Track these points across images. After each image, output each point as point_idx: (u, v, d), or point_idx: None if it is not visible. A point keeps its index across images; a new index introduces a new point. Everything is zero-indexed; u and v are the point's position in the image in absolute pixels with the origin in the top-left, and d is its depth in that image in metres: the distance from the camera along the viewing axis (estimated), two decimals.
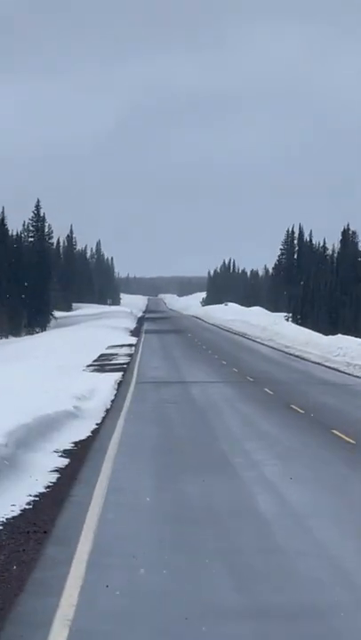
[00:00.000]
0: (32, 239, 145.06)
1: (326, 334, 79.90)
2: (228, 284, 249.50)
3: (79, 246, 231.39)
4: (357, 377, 44.78)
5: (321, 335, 79.36)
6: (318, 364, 55.08)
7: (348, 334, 73.13)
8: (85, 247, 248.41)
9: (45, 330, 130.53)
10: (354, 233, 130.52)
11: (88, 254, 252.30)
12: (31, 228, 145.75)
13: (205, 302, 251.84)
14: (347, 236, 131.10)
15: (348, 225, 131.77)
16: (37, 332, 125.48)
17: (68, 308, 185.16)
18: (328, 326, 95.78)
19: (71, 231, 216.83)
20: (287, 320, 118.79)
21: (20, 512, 13.91)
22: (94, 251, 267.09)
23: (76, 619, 8.80)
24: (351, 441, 21.83)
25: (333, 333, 79.56)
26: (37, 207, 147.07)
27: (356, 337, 67.29)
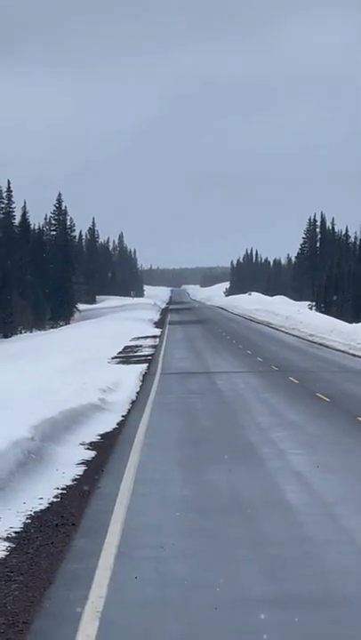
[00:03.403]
0: (54, 232, 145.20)
1: (351, 322, 79.81)
2: (251, 274, 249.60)
3: (101, 239, 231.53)
4: None
5: (345, 323, 79.13)
6: (343, 351, 54.96)
7: None
8: (108, 239, 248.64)
9: (69, 323, 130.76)
10: None
11: (110, 247, 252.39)
12: (53, 222, 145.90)
13: (229, 292, 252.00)
14: None
15: None
16: (61, 326, 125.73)
17: (92, 301, 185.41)
18: (353, 314, 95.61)
19: (93, 224, 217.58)
20: (311, 309, 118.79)
21: (47, 505, 13.96)
22: (117, 243, 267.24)
23: (106, 610, 8.82)
24: None
25: (358, 321, 79.47)
26: (59, 200, 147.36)
27: None
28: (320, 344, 63.89)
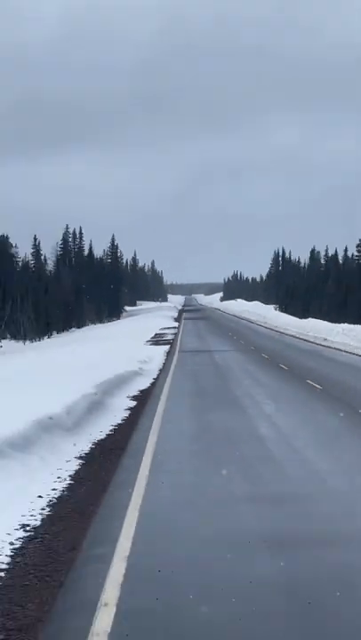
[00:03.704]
0: (110, 260, 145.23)
1: (300, 318, 79.75)
2: (237, 287, 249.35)
3: (140, 264, 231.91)
4: (319, 345, 44.65)
5: (297, 319, 79.28)
6: (296, 337, 54.91)
7: (315, 318, 73.07)
8: (144, 265, 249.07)
9: (119, 319, 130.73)
10: (318, 252, 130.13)
11: (146, 269, 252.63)
12: (109, 253, 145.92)
13: (223, 299, 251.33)
14: (313, 254, 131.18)
15: (313, 247, 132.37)
16: (114, 320, 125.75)
17: (134, 304, 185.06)
18: (301, 313, 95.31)
19: (135, 254, 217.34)
20: (276, 310, 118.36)
21: (106, 436, 14.04)
22: (150, 266, 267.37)
23: (144, 505, 8.91)
24: (318, 387, 21.82)
25: (305, 317, 79.33)
26: (113, 240, 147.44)
27: (320, 320, 67.23)
28: (281, 332, 63.85)
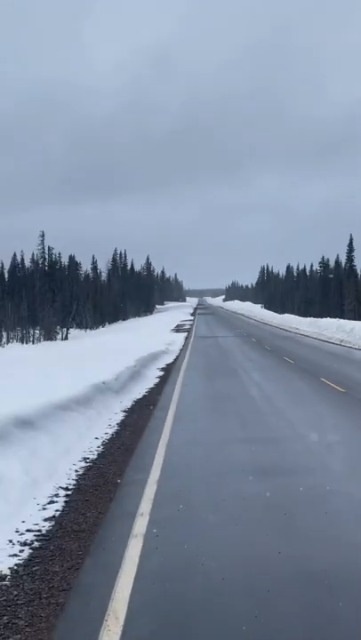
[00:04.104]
0: (145, 274, 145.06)
1: (280, 314, 79.33)
2: (234, 292, 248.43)
3: (167, 275, 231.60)
4: (296, 333, 44.00)
5: (277, 314, 78.78)
6: (277, 327, 54.58)
7: (289, 314, 72.63)
8: (170, 276, 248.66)
9: (152, 313, 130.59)
10: (292, 267, 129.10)
11: (171, 279, 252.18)
12: (145, 268, 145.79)
13: (225, 300, 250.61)
14: (288, 268, 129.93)
15: (288, 264, 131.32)
16: (147, 315, 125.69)
17: (162, 304, 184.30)
18: (281, 310, 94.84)
19: (163, 269, 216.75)
20: (262, 307, 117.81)
21: (142, 396, 14.04)
22: (174, 277, 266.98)
23: (169, 443, 8.91)
24: (292, 362, 21.71)
25: (283, 313, 78.93)
26: (148, 259, 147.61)
27: (294, 315, 66.81)
28: (266, 324, 63.49)
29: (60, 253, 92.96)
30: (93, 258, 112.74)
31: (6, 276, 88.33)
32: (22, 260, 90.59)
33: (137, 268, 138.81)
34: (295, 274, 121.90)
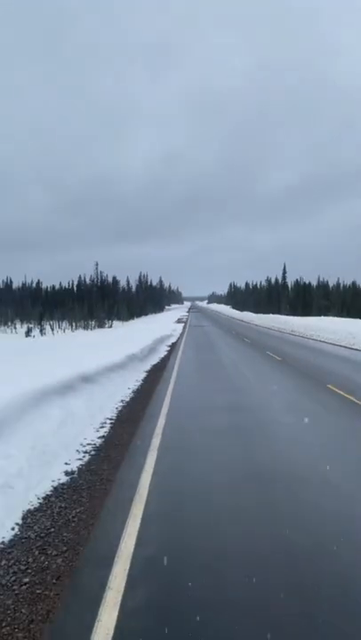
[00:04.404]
0: (159, 287, 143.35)
1: (242, 312, 78.29)
2: (214, 298, 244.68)
3: (173, 288, 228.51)
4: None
5: (239, 312, 77.86)
6: (240, 320, 53.41)
7: (249, 311, 71.59)
8: (175, 288, 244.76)
9: (162, 311, 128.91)
10: (249, 283, 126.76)
11: (176, 290, 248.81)
12: (158, 284, 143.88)
13: (208, 303, 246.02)
14: (247, 284, 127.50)
15: (247, 281, 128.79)
16: (159, 313, 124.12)
17: (169, 305, 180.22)
18: (242, 309, 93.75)
19: (170, 284, 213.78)
20: (231, 308, 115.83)
21: (155, 364, 13.68)
22: (176, 289, 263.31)
23: (173, 392, 8.87)
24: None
25: (243, 311, 77.91)
26: (160, 278, 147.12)
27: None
28: (233, 318, 62.36)
29: (107, 275, 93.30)
30: (127, 278, 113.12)
31: (75, 289, 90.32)
32: (84, 279, 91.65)
33: (154, 283, 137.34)
34: (251, 287, 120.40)
